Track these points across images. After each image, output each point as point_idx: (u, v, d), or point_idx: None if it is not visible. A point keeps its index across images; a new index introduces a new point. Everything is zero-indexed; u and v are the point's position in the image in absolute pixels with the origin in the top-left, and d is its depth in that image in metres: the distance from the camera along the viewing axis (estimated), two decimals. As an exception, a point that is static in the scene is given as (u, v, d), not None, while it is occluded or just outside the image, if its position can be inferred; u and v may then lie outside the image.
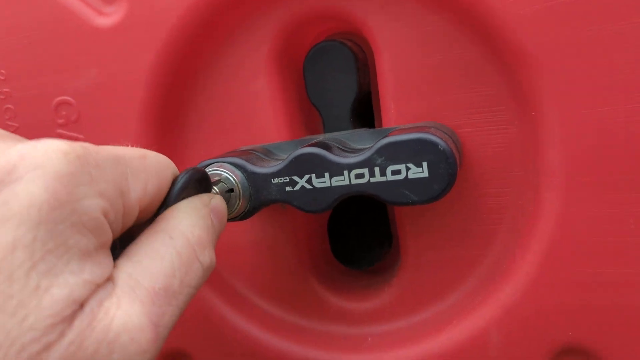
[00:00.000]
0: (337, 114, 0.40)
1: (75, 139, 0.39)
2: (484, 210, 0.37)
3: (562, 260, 0.33)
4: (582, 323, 0.34)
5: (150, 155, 0.26)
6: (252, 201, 0.34)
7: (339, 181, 0.32)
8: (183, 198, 0.28)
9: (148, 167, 0.25)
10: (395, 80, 0.36)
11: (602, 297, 0.33)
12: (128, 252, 0.24)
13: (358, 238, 0.46)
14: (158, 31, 0.38)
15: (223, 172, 0.33)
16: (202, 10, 0.37)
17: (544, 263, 0.34)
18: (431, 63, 0.35)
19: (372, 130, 0.37)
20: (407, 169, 0.31)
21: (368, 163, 0.32)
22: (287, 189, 0.33)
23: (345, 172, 0.32)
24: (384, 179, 0.32)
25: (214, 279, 0.42)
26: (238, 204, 0.33)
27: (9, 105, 0.43)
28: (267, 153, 0.37)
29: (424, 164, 0.31)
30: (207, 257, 0.26)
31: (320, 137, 0.37)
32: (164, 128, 0.40)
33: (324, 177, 0.33)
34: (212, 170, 0.34)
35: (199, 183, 0.29)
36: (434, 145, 0.30)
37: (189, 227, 0.26)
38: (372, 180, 0.32)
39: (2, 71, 0.42)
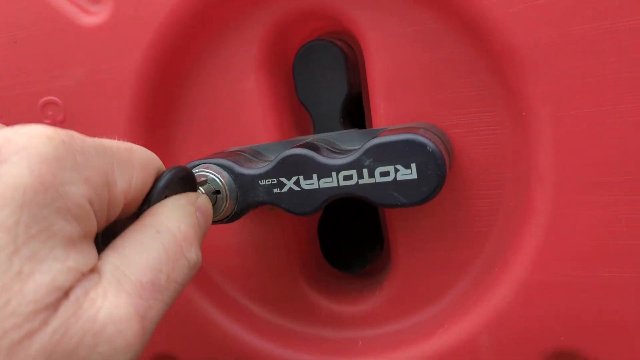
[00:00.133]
0: (327, 114, 0.40)
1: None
2: (475, 212, 0.36)
3: (553, 263, 0.33)
4: (573, 326, 0.33)
5: (137, 149, 0.26)
6: (240, 203, 0.34)
7: (327, 183, 0.32)
8: (166, 196, 0.27)
9: (135, 160, 0.25)
10: (385, 80, 0.36)
11: (593, 300, 0.33)
12: (114, 245, 0.24)
13: (349, 241, 0.45)
14: (145, 30, 0.37)
15: (209, 173, 0.33)
16: (189, 9, 0.37)
17: (535, 266, 0.33)
18: (421, 63, 0.35)
19: (362, 131, 0.37)
20: (396, 170, 0.31)
21: (356, 164, 0.31)
22: (275, 190, 0.33)
23: (334, 174, 0.32)
24: (372, 180, 0.31)
25: (203, 281, 0.42)
26: (225, 205, 0.33)
27: (-5, 106, 0.42)
28: (256, 154, 0.37)
29: (413, 166, 0.30)
30: (194, 254, 0.26)
31: (309, 138, 0.36)
32: (152, 128, 0.40)
33: (312, 178, 0.32)
34: (199, 172, 0.33)
35: (184, 182, 0.29)
36: (422, 146, 0.30)
37: (175, 222, 0.26)
38: (361, 181, 0.31)
39: (-12, 71, 0.42)
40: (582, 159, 0.31)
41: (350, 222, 0.45)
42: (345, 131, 0.37)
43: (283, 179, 0.33)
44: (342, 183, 0.32)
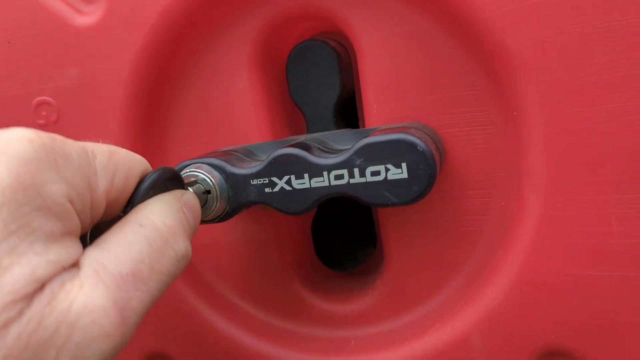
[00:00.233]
0: (320, 114, 0.40)
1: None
2: (467, 212, 0.36)
3: (544, 263, 0.33)
4: (564, 326, 0.33)
5: (120, 151, 0.27)
6: (232, 203, 0.34)
7: (318, 182, 0.32)
8: (151, 197, 0.27)
9: (117, 162, 0.26)
10: (377, 80, 0.36)
11: (584, 300, 0.33)
12: (97, 241, 0.24)
13: (342, 240, 0.45)
14: (138, 30, 0.37)
15: (200, 173, 0.33)
16: (182, 9, 0.37)
17: (526, 265, 0.33)
18: (414, 63, 0.35)
19: (354, 130, 0.37)
20: (387, 169, 0.31)
21: (347, 164, 0.31)
22: (267, 190, 0.33)
23: (325, 173, 0.32)
24: (363, 180, 0.31)
25: (196, 280, 0.42)
26: (215, 205, 0.33)
27: (-11, 105, 0.42)
28: (248, 154, 0.37)
29: (403, 165, 0.30)
30: (182, 246, 0.26)
31: (302, 138, 0.37)
32: (145, 128, 0.40)
33: (303, 178, 0.32)
34: (190, 172, 0.33)
35: (170, 183, 0.29)
36: (413, 146, 0.30)
37: (159, 216, 0.26)
38: (352, 181, 0.31)
39: (-18, 71, 0.42)
40: (573, 159, 0.31)
41: (343, 221, 0.45)
42: (338, 131, 0.37)
43: (274, 179, 0.33)
44: (334, 182, 0.32)
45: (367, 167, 0.31)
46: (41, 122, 0.41)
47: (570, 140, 0.31)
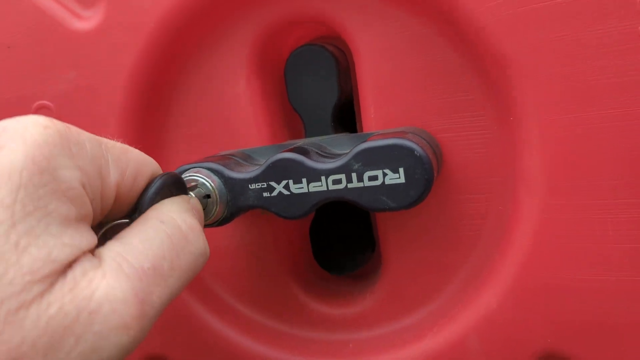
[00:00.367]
0: (319, 118, 0.40)
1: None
2: (465, 216, 0.36)
3: (541, 266, 0.33)
4: (561, 329, 0.33)
5: (133, 150, 0.27)
6: (230, 207, 0.34)
7: (316, 187, 0.32)
8: (158, 202, 0.27)
9: (129, 158, 0.26)
10: (374, 84, 0.36)
11: (581, 303, 0.33)
12: (119, 236, 0.25)
13: (340, 243, 0.45)
14: (136, 35, 0.38)
15: (200, 177, 0.33)
16: (181, 14, 0.37)
17: (523, 269, 0.34)
18: (411, 68, 0.35)
19: (352, 135, 0.37)
20: (384, 174, 0.31)
21: (345, 169, 0.31)
22: (265, 194, 0.33)
23: (323, 178, 0.32)
24: (361, 184, 0.31)
25: (196, 284, 0.42)
26: (215, 209, 0.33)
27: (-12, 110, 0.42)
28: (247, 158, 0.37)
29: (401, 170, 0.30)
30: (201, 243, 0.27)
31: (300, 142, 0.37)
32: (144, 132, 0.40)
33: (301, 182, 0.32)
34: (189, 176, 0.33)
35: (175, 188, 0.29)
36: (410, 150, 0.30)
37: (179, 214, 0.27)
38: (350, 186, 0.32)
39: (-19, 75, 0.42)
40: (568, 163, 0.32)
41: (342, 225, 0.46)
42: (336, 135, 0.38)
43: (273, 183, 0.33)
44: (331, 187, 0.32)
45: (365, 171, 0.31)
46: (40, 126, 0.41)
47: (565, 145, 0.31)
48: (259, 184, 0.33)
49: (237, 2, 0.37)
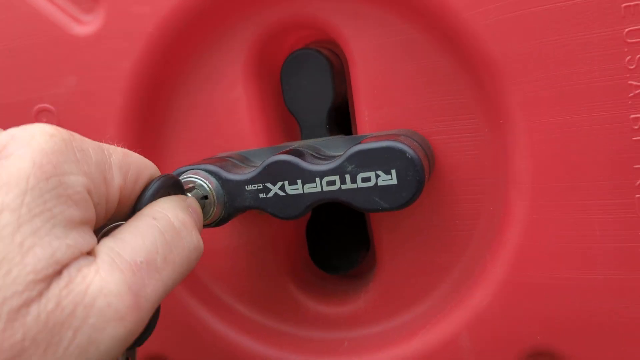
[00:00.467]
0: (314, 121, 0.41)
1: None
2: (456, 216, 0.37)
3: (530, 265, 0.34)
4: (550, 326, 0.34)
5: (133, 154, 0.28)
6: (227, 208, 0.35)
7: (311, 188, 0.33)
8: None
9: (130, 162, 0.27)
10: (369, 88, 0.37)
11: (569, 302, 0.34)
12: (112, 233, 0.26)
13: (336, 243, 0.46)
14: (136, 39, 0.38)
15: (197, 179, 0.34)
16: (179, 19, 0.38)
17: (512, 268, 0.35)
18: (404, 72, 0.36)
19: (346, 137, 0.38)
20: (377, 176, 0.32)
21: (339, 170, 0.32)
22: (261, 195, 0.34)
23: (317, 179, 0.33)
24: (354, 186, 0.32)
25: (193, 283, 0.43)
26: (213, 210, 0.34)
27: (-10, 113, 0.43)
28: (243, 160, 0.38)
29: (393, 172, 0.31)
30: (194, 238, 0.28)
31: (296, 144, 0.38)
32: (142, 135, 0.41)
33: (296, 184, 0.33)
34: (187, 177, 0.34)
35: (172, 189, 0.30)
36: (402, 153, 0.31)
37: (171, 211, 0.27)
38: (343, 187, 0.32)
39: (-17, 79, 0.43)
40: (557, 165, 0.32)
41: (337, 225, 0.46)
42: (331, 137, 0.38)
43: (269, 184, 0.34)
44: (326, 188, 0.33)
45: (358, 173, 0.32)
46: (41, 128, 0.42)
47: (554, 147, 0.32)
48: (256, 185, 0.34)
49: (235, 8, 0.38)
